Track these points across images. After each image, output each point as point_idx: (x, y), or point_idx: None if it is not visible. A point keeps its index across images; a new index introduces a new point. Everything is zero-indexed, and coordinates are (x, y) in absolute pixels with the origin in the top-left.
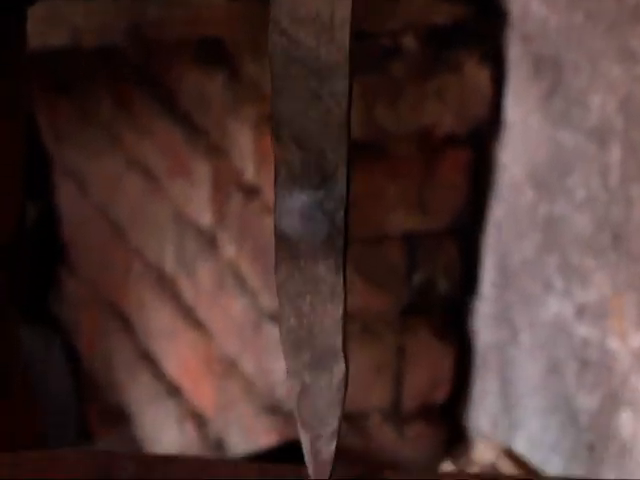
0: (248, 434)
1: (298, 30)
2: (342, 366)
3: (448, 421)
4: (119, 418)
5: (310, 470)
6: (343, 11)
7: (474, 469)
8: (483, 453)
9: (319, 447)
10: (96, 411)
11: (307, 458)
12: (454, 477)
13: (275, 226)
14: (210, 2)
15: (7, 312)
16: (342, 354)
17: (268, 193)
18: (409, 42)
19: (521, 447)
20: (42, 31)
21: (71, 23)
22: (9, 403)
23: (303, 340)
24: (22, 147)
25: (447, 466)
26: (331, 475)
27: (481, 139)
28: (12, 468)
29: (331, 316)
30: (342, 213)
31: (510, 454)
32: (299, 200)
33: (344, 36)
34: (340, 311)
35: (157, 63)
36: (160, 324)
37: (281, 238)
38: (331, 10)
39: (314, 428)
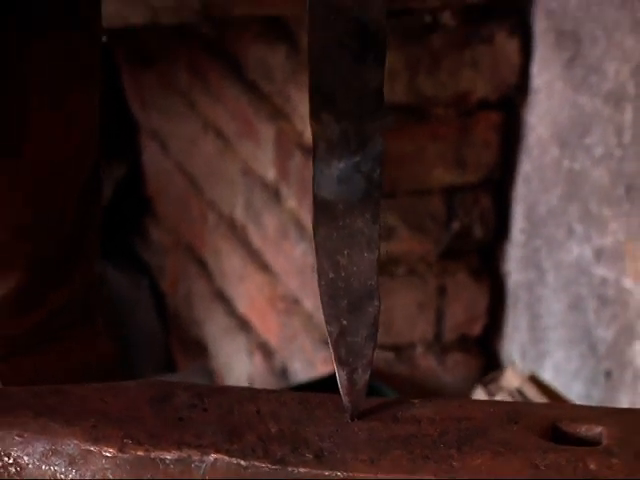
0: (308, 364)
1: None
2: (377, 304)
3: (483, 351)
4: (198, 350)
5: (346, 400)
6: None
7: (502, 394)
8: (510, 380)
9: (355, 379)
10: (178, 344)
11: (343, 390)
12: (463, 402)
13: (314, 194)
14: None
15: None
16: (377, 293)
17: None
18: (447, 18)
19: (547, 374)
20: (123, 12)
21: (148, 3)
22: (91, 330)
23: (341, 289)
24: (97, 109)
25: (478, 392)
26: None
27: (511, 103)
28: (80, 398)
29: (368, 262)
30: (379, 170)
31: (534, 380)
32: (337, 168)
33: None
34: (376, 256)
35: (227, 38)
36: (232, 267)
37: (320, 204)
38: None
39: (351, 363)
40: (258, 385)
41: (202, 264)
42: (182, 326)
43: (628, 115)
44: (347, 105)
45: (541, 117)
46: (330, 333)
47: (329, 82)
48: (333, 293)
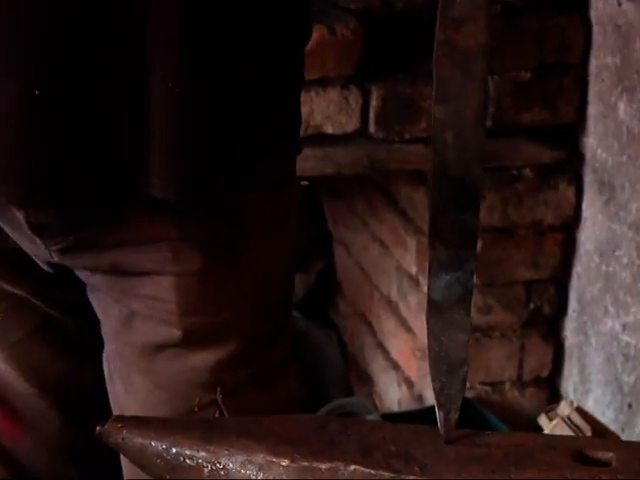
0: None
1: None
2: (466, 369)
3: (548, 388)
4: (366, 381)
5: (442, 431)
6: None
7: (557, 419)
8: (563, 409)
9: (449, 417)
10: (355, 377)
11: (440, 424)
12: (521, 436)
13: (428, 295)
14: (415, 150)
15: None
16: (466, 362)
17: None
18: (527, 172)
19: (590, 405)
20: (319, 166)
21: (335, 161)
22: (286, 378)
23: (442, 358)
24: (293, 239)
25: (542, 416)
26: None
27: (569, 227)
28: (267, 425)
29: (461, 341)
30: (472, 281)
31: (580, 410)
32: (444, 279)
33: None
34: (467, 338)
35: (388, 182)
36: (388, 328)
37: (432, 302)
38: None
39: (446, 407)
40: (404, 405)
41: (370, 325)
42: (357, 365)
43: None
44: (452, 239)
45: (588, 237)
46: (434, 388)
47: (441, 224)
48: (437, 361)
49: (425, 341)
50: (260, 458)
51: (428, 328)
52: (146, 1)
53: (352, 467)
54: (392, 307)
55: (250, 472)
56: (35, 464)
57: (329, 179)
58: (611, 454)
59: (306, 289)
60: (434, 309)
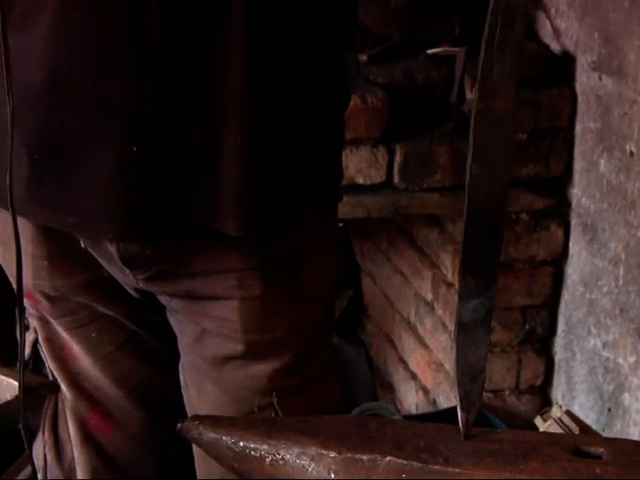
0: (447, 398)
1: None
2: (484, 376)
3: (541, 395)
4: (389, 389)
5: (462, 429)
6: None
7: (550, 420)
8: (555, 412)
9: (469, 417)
10: (379, 386)
11: (461, 423)
12: (518, 433)
13: (457, 318)
14: (431, 198)
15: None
16: (485, 370)
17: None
18: (523, 216)
19: (576, 409)
20: (351, 210)
21: (365, 206)
22: (327, 384)
23: (467, 367)
24: (334, 267)
25: (537, 419)
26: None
27: (558, 262)
28: (317, 423)
29: (482, 353)
30: (493, 304)
31: (569, 413)
32: (471, 304)
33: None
34: (486, 350)
35: (408, 223)
36: (408, 345)
37: (460, 323)
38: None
39: (467, 409)
40: (420, 409)
41: (392, 343)
42: (381, 376)
43: (621, 270)
44: (480, 270)
45: (574, 270)
46: (459, 393)
47: (472, 258)
48: (462, 370)
49: (439, 356)
50: (312, 450)
51: (456, 345)
52: (220, 76)
53: (388, 458)
54: (411, 327)
55: (304, 462)
56: (122, 456)
57: (359, 221)
58: (602, 449)
59: (339, 312)
60: (462, 329)
